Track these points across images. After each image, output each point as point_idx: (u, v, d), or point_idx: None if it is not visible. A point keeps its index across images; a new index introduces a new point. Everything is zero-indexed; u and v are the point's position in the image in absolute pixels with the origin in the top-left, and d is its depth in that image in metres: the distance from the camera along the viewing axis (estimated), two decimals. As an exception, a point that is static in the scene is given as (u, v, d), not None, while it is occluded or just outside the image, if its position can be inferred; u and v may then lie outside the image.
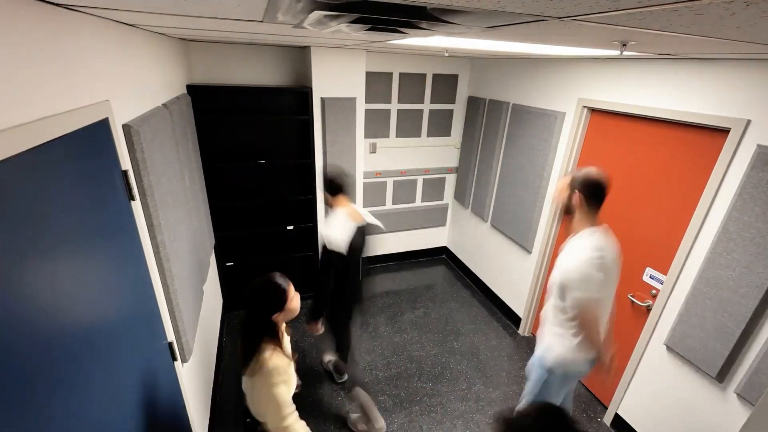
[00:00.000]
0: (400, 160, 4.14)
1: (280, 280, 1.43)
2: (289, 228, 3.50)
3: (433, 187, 4.42)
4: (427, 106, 4.01)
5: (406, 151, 4.12)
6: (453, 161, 4.39)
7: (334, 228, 2.14)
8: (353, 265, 2.24)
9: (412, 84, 3.84)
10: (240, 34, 1.90)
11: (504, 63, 3.49)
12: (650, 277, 2.37)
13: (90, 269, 1.04)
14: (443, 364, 3.12)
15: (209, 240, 2.85)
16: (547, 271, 3.25)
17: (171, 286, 1.61)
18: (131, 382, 1.24)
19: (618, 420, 2.59)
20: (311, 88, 3.10)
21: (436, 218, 4.60)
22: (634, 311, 2.50)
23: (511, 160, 3.42)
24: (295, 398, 1.47)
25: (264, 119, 3.31)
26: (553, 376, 1.87)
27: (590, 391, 2.91)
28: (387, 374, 3.00)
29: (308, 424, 1.50)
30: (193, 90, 2.84)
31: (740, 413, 1.90)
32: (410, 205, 4.41)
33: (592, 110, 2.68)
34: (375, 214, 4.21)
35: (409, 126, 4.01)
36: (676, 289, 2.17)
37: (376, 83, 3.68)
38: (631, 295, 2.48)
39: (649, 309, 2.36)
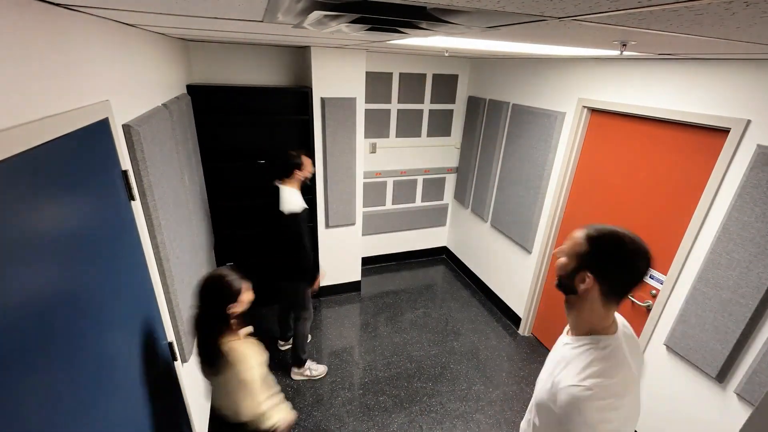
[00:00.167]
0: (400, 160, 4.14)
1: (232, 274, 1.45)
2: (289, 228, 3.49)
3: (433, 187, 4.42)
4: (427, 106, 4.01)
5: (406, 151, 4.12)
6: (453, 161, 4.39)
7: (296, 197, 2.64)
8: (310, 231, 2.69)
9: (412, 84, 3.84)
10: (240, 34, 1.90)
11: (504, 63, 3.49)
12: (650, 277, 2.37)
13: (90, 269, 1.04)
14: (443, 364, 3.12)
15: (209, 240, 2.85)
16: (547, 271, 3.26)
17: (171, 286, 1.61)
18: (131, 382, 1.24)
19: (618, 420, 2.58)
20: (311, 88, 3.10)
21: (436, 218, 4.60)
22: (634, 311, 2.50)
23: (511, 160, 3.43)
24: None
25: (264, 119, 3.31)
26: None
27: (590, 391, 2.91)
28: (387, 374, 3.00)
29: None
30: (193, 90, 2.84)
31: (740, 413, 1.90)
32: (410, 205, 4.41)
33: (592, 110, 2.68)
34: (375, 214, 4.23)
35: (409, 126, 4.01)
36: (676, 289, 2.17)
37: (376, 83, 3.68)
38: (631, 295, 2.48)
39: (649, 309, 2.36)
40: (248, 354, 1.38)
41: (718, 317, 1.92)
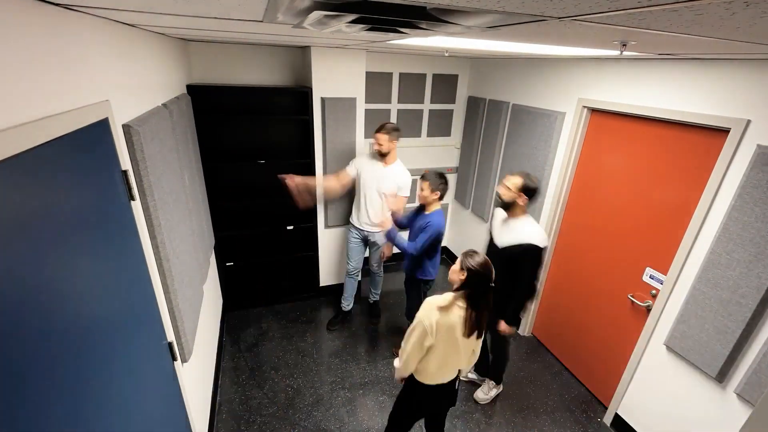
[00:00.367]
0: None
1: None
2: (289, 228, 3.50)
3: (433, 187, 4.41)
4: (427, 106, 4.01)
5: (406, 151, 4.12)
6: (453, 161, 4.39)
7: (536, 227, 2.28)
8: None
9: (412, 84, 3.84)
10: (240, 34, 1.90)
11: (504, 63, 3.49)
12: (650, 277, 2.37)
13: (90, 269, 1.04)
14: (443, 364, 3.11)
15: (209, 240, 2.85)
16: (547, 271, 3.26)
17: (171, 286, 1.61)
18: (131, 382, 1.24)
19: (618, 420, 2.59)
20: (311, 88, 3.10)
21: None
22: (634, 311, 2.50)
23: (512, 160, 3.42)
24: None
25: (264, 119, 3.31)
26: None
27: (590, 391, 2.91)
28: (387, 374, 3.00)
29: None
30: (193, 90, 2.84)
31: (740, 413, 1.90)
32: (410, 205, 4.41)
33: (592, 110, 2.68)
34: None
35: (409, 126, 4.01)
36: (676, 289, 2.17)
37: (376, 83, 3.68)
38: (631, 296, 2.48)
39: (649, 309, 2.36)
40: None
41: (718, 317, 1.92)
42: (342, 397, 2.78)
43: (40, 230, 0.82)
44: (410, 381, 1.84)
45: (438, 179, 2.49)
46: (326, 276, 3.86)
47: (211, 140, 3.04)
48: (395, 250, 3.04)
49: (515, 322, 2.38)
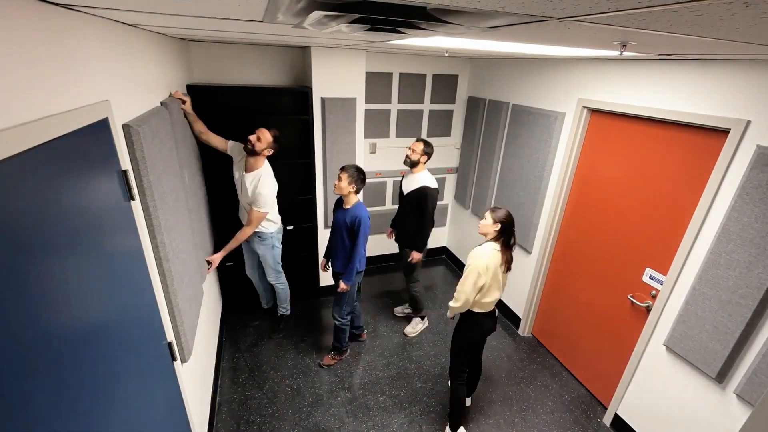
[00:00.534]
0: (400, 161, 4.13)
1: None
2: (289, 228, 3.50)
3: (433, 188, 4.42)
4: (427, 107, 4.01)
5: (406, 151, 4.12)
6: (453, 161, 4.39)
7: (430, 176, 3.07)
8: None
9: (412, 84, 3.84)
10: (240, 34, 1.90)
11: (504, 63, 3.49)
12: (650, 277, 2.37)
13: (90, 269, 1.04)
14: (443, 365, 3.12)
15: (209, 240, 2.85)
16: (547, 271, 3.26)
17: (171, 286, 1.61)
18: (130, 382, 1.24)
19: (617, 420, 2.59)
20: (311, 88, 3.10)
21: (436, 218, 4.59)
22: (633, 312, 2.50)
23: (511, 160, 3.43)
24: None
25: (264, 119, 3.30)
26: None
27: (590, 392, 2.91)
28: (387, 374, 3.00)
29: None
30: (193, 90, 2.84)
31: (740, 414, 1.90)
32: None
33: (592, 111, 2.68)
34: (375, 214, 4.23)
35: (409, 126, 4.01)
36: (675, 290, 2.17)
37: (376, 83, 3.68)
38: (631, 296, 2.48)
39: (648, 309, 2.36)
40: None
41: (717, 318, 1.92)
42: (342, 397, 2.78)
43: (40, 230, 0.82)
44: (466, 315, 2.30)
45: (357, 173, 2.55)
46: (326, 276, 3.86)
47: (211, 140, 3.03)
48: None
49: (423, 248, 3.18)
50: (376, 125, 3.88)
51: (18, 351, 0.71)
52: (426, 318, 3.58)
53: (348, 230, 2.62)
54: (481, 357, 2.63)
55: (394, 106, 3.87)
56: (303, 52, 3.25)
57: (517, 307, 3.59)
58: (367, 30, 1.22)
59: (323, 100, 3.14)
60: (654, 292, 2.34)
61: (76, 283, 0.96)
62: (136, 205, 1.40)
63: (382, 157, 4.05)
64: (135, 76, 1.60)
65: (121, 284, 1.23)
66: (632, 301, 2.48)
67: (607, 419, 2.66)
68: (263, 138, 2.64)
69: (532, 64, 3.14)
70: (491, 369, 3.10)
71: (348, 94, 3.22)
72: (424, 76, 3.86)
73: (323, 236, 3.64)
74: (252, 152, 2.63)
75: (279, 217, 2.98)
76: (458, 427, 2.49)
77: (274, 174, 2.87)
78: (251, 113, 3.24)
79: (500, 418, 2.67)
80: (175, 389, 1.72)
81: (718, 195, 1.93)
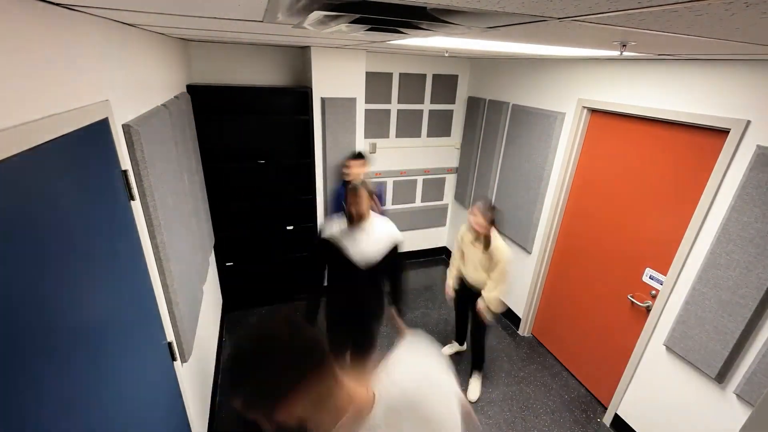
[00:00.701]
0: (400, 161, 4.14)
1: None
2: (288, 228, 3.50)
3: (433, 188, 4.42)
4: (427, 107, 4.01)
5: (406, 151, 4.12)
6: (453, 161, 4.39)
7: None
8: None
9: (412, 84, 3.84)
10: (240, 34, 1.90)
11: (504, 63, 3.49)
12: (650, 277, 2.37)
13: (89, 269, 1.04)
14: (443, 365, 3.11)
15: (209, 240, 2.85)
16: (547, 271, 3.26)
17: (171, 286, 1.61)
18: (130, 382, 1.24)
19: (617, 420, 2.59)
20: (311, 88, 3.10)
21: (435, 218, 4.60)
22: (633, 312, 2.50)
23: (511, 160, 3.43)
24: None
25: (264, 119, 3.31)
26: None
27: (590, 392, 2.91)
28: (387, 374, 2.99)
29: None
30: (193, 90, 2.84)
31: (740, 414, 1.90)
32: (410, 205, 4.41)
33: (592, 111, 2.68)
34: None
35: (409, 126, 4.01)
36: (675, 290, 2.17)
37: (376, 83, 3.68)
38: (631, 296, 2.48)
39: (648, 309, 2.36)
40: None
41: (717, 318, 1.92)
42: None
43: (40, 230, 0.82)
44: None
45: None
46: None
47: (211, 140, 3.04)
48: None
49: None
50: (376, 125, 3.88)
51: (17, 351, 0.71)
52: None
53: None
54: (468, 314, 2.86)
55: (394, 106, 3.87)
56: (303, 52, 3.25)
57: (517, 307, 3.59)
58: (367, 30, 1.22)
59: (323, 100, 3.14)
60: (654, 292, 2.34)
61: (76, 283, 0.96)
62: (136, 205, 1.40)
63: (382, 157, 4.05)
64: (135, 76, 1.60)
65: (121, 284, 1.23)
66: (632, 301, 2.48)
67: (607, 419, 2.66)
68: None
69: (532, 64, 3.14)
70: (491, 369, 3.10)
71: (348, 94, 3.22)
72: (424, 76, 3.86)
73: (323, 236, 3.64)
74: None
75: None
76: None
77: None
78: (251, 113, 3.24)
79: (500, 418, 2.67)
80: (174, 389, 1.72)
81: (718, 195, 1.93)
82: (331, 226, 2.09)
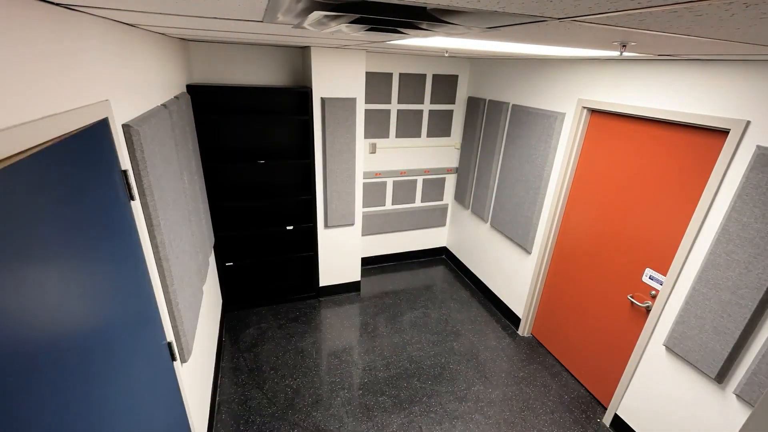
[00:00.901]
0: (399, 161, 4.14)
1: None
2: (288, 228, 3.50)
3: (433, 188, 4.42)
4: (427, 107, 4.01)
5: (406, 151, 4.13)
6: (453, 162, 4.39)
7: None
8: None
9: (412, 84, 3.84)
10: (240, 34, 1.90)
11: (504, 63, 3.49)
12: (650, 277, 2.37)
13: (89, 269, 1.04)
14: (442, 365, 3.12)
15: (209, 240, 2.85)
16: (547, 271, 3.26)
17: (170, 286, 1.61)
18: (129, 382, 1.24)
19: (617, 420, 2.59)
20: (311, 88, 3.10)
21: (435, 219, 4.60)
22: (633, 312, 2.50)
23: (511, 160, 3.43)
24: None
25: (264, 119, 3.31)
26: None
27: (589, 392, 2.91)
28: (386, 374, 3.00)
29: None
30: (193, 90, 2.84)
31: (739, 414, 1.91)
32: (410, 205, 4.41)
33: (592, 111, 2.69)
34: (375, 215, 4.24)
35: (409, 126, 4.02)
36: (675, 290, 2.17)
37: (376, 83, 3.68)
38: (631, 296, 2.48)
39: (648, 310, 2.37)
40: None
41: (717, 318, 1.93)
42: (341, 397, 2.78)
43: (40, 230, 0.82)
44: None
45: None
46: (326, 276, 3.86)
47: (211, 140, 3.04)
48: None
49: None
50: (376, 125, 3.88)
51: (17, 351, 0.71)
52: None
53: None
54: None
55: (394, 106, 3.88)
56: (303, 52, 3.25)
57: (517, 307, 3.59)
58: (367, 30, 1.22)
59: (323, 100, 3.14)
60: (654, 292, 2.35)
61: (76, 283, 0.96)
62: (136, 205, 1.40)
63: (382, 157, 4.05)
64: (135, 76, 1.60)
65: (121, 284, 1.23)
66: (632, 302, 2.48)
67: (607, 419, 2.66)
68: None
69: (532, 64, 3.14)
70: (491, 369, 3.11)
71: (348, 94, 3.22)
72: (424, 76, 3.86)
73: (323, 236, 3.65)
74: None
75: None
76: None
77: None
78: (251, 113, 3.24)
79: (500, 418, 2.67)
80: (174, 389, 1.72)
81: (718, 195, 1.93)
82: None
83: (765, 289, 1.73)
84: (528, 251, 3.34)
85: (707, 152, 2.01)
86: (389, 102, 3.84)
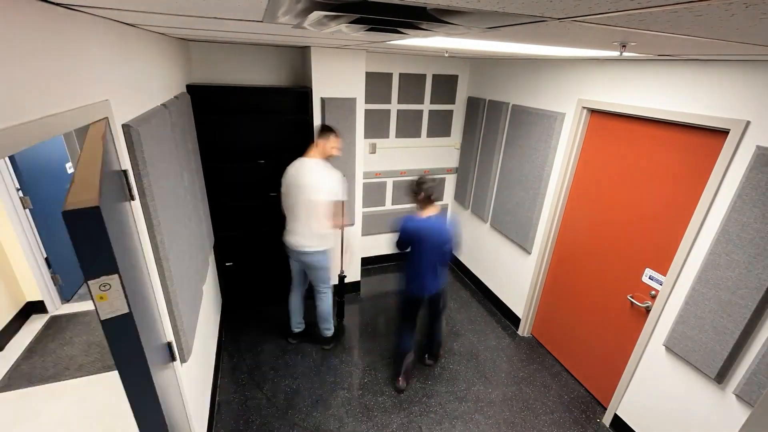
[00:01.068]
0: (399, 161, 4.14)
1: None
2: (288, 228, 3.49)
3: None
4: (426, 107, 4.01)
5: (405, 151, 4.13)
6: (453, 162, 4.39)
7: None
8: None
9: (411, 84, 3.84)
10: (240, 34, 1.90)
11: (504, 64, 3.49)
12: (649, 277, 2.37)
13: (89, 269, 1.04)
14: (442, 365, 3.12)
15: (209, 240, 2.85)
16: (547, 272, 3.26)
17: (170, 286, 1.61)
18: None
19: (617, 421, 2.59)
20: (311, 88, 3.10)
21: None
22: (633, 312, 2.50)
23: (511, 160, 3.43)
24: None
25: (264, 119, 3.31)
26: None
27: (589, 392, 2.91)
28: (386, 375, 3.00)
29: None
30: (193, 90, 2.84)
31: (739, 414, 1.91)
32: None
33: (592, 111, 2.69)
34: (375, 215, 4.24)
35: (408, 126, 4.01)
36: (675, 290, 2.17)
37: (376, 83, 3.68)
38: (631, 296, 2.48)
39: (648, 310, 2.37)
40: None
41: (717, 318, 1.93)
42: (341, 397, 2.78)
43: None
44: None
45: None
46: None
47: (211, 140, 3.04)
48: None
49: None
50: (376, 125, 3.88)
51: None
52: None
53: None
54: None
55: (393, 107, 3.88)
56: (303, 52, 3.25)
57: (517, 307, 3.59)
58: (367, 30, 1.22)
59: (323, 100, 3.14)
60: (654, 292, 2.35)
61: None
62: (136, 205, 1.40)
63: (382, 158, 4.05)
64: (135, 76, 1.60)
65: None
66: (632, 302, 2.48)
67: (607, 419, 2.66)
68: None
69: (532, 65, 3.14)
70: (491, 369, 3.11)
71: (348, 94, 3.22)
72: (423, 76, 3.86)
73: (323, 236, 3.64)
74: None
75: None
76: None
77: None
78: (251, 113, 3.24)
79: (500, 418, 2.67)
80: (174, 390, 1.72)
81: (718, 195, 1.93)
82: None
83: (765, 289, 1.73)
84: (528, 251, 3.34)
85: (707, 152, 2.01)
86: (389, 102, 3.84)
